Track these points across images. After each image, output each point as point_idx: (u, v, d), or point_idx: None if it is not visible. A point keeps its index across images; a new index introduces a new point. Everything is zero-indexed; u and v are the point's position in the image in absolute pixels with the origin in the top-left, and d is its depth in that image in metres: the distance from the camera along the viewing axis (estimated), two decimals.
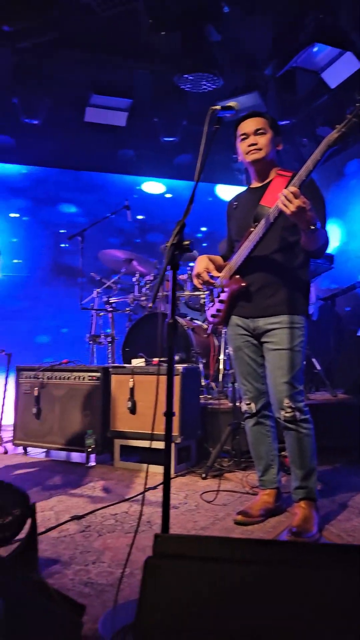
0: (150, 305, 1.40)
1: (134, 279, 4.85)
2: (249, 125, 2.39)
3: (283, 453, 2.68)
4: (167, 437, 1.48)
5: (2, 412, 4.59)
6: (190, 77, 5.00)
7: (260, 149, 2.36)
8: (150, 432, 3.44)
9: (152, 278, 4.75)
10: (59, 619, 1.12)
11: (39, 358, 4.32)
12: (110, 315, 5.01)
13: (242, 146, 2.42)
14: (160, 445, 3.21)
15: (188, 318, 4.58)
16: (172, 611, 0.78)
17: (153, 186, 6.88)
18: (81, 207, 6.62)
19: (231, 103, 1.90)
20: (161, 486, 2.98)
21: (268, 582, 0.81)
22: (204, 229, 6.85)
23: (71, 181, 6.57)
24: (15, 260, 6.33)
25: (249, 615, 0.80)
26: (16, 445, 4.09)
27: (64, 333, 6.28)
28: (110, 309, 4.99)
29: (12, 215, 6.40)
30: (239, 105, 1.99)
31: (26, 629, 0.89)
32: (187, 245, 1.54)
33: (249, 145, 2.37)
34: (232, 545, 0.84)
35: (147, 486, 2.96)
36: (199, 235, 6.80)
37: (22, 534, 1.91)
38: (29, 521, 1.85)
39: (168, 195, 6.91)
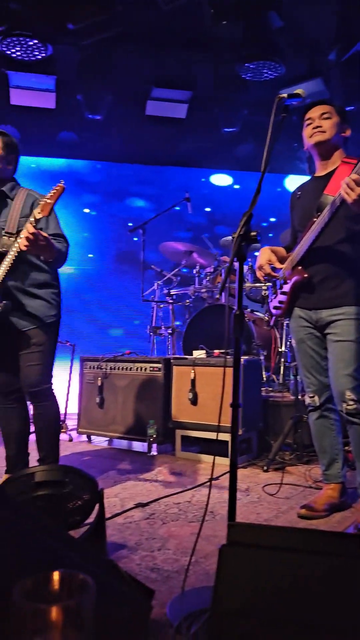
0: (217, 297, 1.41)
1: (194, 271, 4.87)
2: (314, 111, 2.36)
3: (347, 447, 2.63)
4: (234, 429, 1.49)
5: (67, 400, 4.74)
6: (252, 66, 4.94)
7: (324, 132, 2.32)
8: (210, 423, 3.47)
9: (212, 270, 4.75)
10: (130, 601, 1.16)
11: (109, 349, 4.41)
12: (170, 307, 5.06)
13: (306, 131, 2.38)
14: (222, 436, 3.24)
15: (249, 310, 4.55)
16: (246, 599, 0.79)
17: (221, 178, 6.83)
18: (149, 201, 6.67)
19: (298, 90, 1.87)
20: (223, 477, 3.01)
21: (342, 574, 0.81)
22: (272, 219, 6.76)
23: (139, 175, 6.61)
24: (89, 255, 6.49)
25: (323, 606, 0.80)
26: (80, 433, 4.22)
27: (136, 324, 6.37)
28: (171, 301, 5.03)
29: (85, 210, 6.54)
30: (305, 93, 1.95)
31: (99, 608, 0.92)
32: (254, 236, 1.53)
33: (313, 128, 2.33)
34: (306, 536, 0.84)
35: (210, 477, 2.99)
36: (265, 224, 6.70)
37: (90, 519, 1.98)
38: (96, 507, 1.91)
39: (236, 187, 6.85)
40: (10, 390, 2.69)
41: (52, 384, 2.65)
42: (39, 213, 2.36)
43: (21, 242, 2.36)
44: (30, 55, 4.90)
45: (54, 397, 2.66)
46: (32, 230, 2.32)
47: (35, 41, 4.70)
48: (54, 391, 2.66)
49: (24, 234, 2.34)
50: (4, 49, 4.79)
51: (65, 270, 2.69)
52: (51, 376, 2.65)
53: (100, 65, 5.15)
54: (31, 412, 2.70)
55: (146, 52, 5.08)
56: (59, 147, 6.23)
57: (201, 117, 5.87)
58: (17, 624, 0.52)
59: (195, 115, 5.80)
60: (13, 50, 4.83)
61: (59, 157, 6.43)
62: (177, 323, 5.02)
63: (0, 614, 0.57)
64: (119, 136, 6.15)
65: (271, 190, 6.55)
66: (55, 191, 2.38)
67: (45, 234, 2.39)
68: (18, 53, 4.86)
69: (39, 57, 4.93)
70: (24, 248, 2.36)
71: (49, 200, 2.36)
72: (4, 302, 2.48)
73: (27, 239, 2.31)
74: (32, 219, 2.37)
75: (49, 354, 2.63)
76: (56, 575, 0.59)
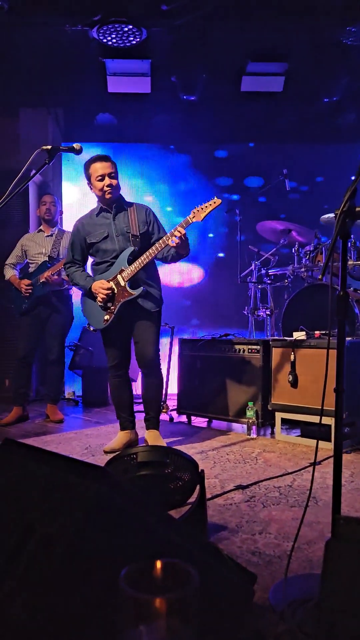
0: (320, 277, 1.36)
1: (293, 250, 4.73)
2: None
3: None
4: (338, 415, 1.42)
5: (167, 382, 4.83)
6: (353, 29, 4.64)
7: None
8: (311, 406, 3.38)
9: (311, 249, 4.58)
10: (232, 585, 1.16)
11: (208, 331, 4.39)
12: (269, 287, 4.96)
13: None
14: (324, 420, 3.14)
15: (352, 289, 4.35)
16: (356, 598, 0.75)
17: None
18: (269, 180, 6.37)
19: None
20: (326, 462, 2.93)
21: None
22: None
23: (260, 155, 6.36)
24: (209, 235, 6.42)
25: None
26: (180, 413, 4.29)
27: (234, 306, 6.23)
28: (269, 282, 4.93)
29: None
30: None
31: (201, 592, 0.92)
32: (359, 211, 1.44)
33: None
34: None
35: (312, 461, 2.92)
36: None
37: (191, 499, 2.00)
38: (197, 487, 1.93)
39: None
40: (122, 365, 3.35)
41: (160, 359, 3.32)
42: (192, 218, 2.95)
43: (172, 240, 2.95)
44: (126, 41, 4.94)
45: (161, 370, 3.35)
46: (184, 231, 2.92)
47: (130, 26, 4.73)
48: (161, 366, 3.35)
49: (176, 233, 2.93)
50: (101, 37, 4.88)
51: None
52: (159, 352, 3.32)
53: (194, 45, 5.09)
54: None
55: (240, 27, 4.93)
56: (154, 131, 6.25)
57: (299, 89, 5.63)
58: (123, 610, 0.53)
59: (293, 87, 5.57)
60: (109, 38, 4.90)
61: (154, 142, 6.45)
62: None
63: (108, 598, 0.59)
64: (214, 115, 6.06)
65: None
66: (211, 203, 2.92)
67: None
68: (114, 40, 4.93)
69: (134, 42, 4.96)
70: (173, 244, 2.96)
71: (204, 209, 2.91)
72: (142, 287, 3.12)
73: (180, 237, 2.91)
74: (183, 222, 2.97)
75: (158, 333, 3.29)
76: (160, 564, 0.60)
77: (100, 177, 3.16)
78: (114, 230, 3.23)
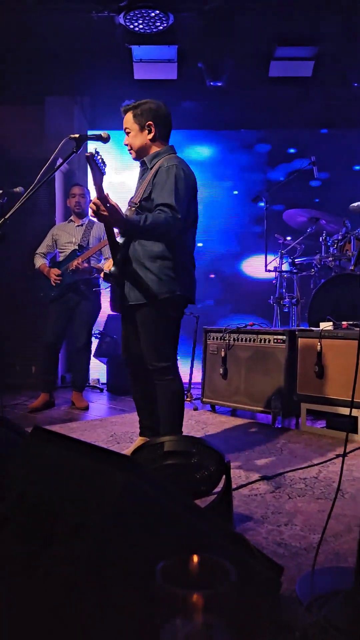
0: (352, 268, 1.29)
1: (320, 239, 4.66)
2: None
3: None
4: None
5: (191, 370, 4.83)
6: None
7: None
8: (338, 397, 3.34)
9: (340, 237, 4.50)
10: (259, 576, 1.15)
11: (233, 320, 4.33)
12: (295, 276, 4.91)
13: None
14: (353, 412, 3.09)
15: None
16: None
17: None
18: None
19: None
20: (352, 454, 2.89)
21: None
22: None
23: (296, 141, 6.21)
24: None
25: None
26: (204, 403, 4.29)
27: (258, 296, 6.11)
28: (295, 271, 4.88)
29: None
30: None
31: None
32: None
33: None
34: None
35: (338, 453, 2.89)
36: None
37: (216, 489, 2.00)
38: (223, 478, 1.93)
39: None
40: (137, 358, 2.65)
41: (170, 362, 2.55)
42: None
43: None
44: (152, 26, 4.89)
45: (175, 374, 2.56)
46: (98, 196, 2.20)
47: (157, 12, 4.68)
48: (173, 368, 2.57)
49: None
50: (127, 23, 4.84)
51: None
52: (168, 354, 2.55)
53: (221, 30, 5.01)
54: None
55: (269, 10, 4.84)
56: (181, 118, 6.18)
57: (328, 74, 5.51)
58: (159, 603, 0.53)
59: (322, 72, 5.45)
60: (136, 24, 4.86)
61: (182, 128, 6.37)
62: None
63: (141, 588, 0.59)
64: (241, 102, 5.97)
65: None
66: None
67: (113, 203, 2.24)
68: (141, 26, 4.88)
69: (161, 27, 4.91)
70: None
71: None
72: (110, 269, 2.50)
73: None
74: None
75: (162, 332, 2.52)
76: (197, 559, 0.59)
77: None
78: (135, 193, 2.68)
